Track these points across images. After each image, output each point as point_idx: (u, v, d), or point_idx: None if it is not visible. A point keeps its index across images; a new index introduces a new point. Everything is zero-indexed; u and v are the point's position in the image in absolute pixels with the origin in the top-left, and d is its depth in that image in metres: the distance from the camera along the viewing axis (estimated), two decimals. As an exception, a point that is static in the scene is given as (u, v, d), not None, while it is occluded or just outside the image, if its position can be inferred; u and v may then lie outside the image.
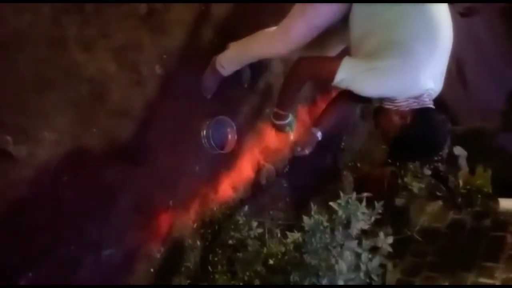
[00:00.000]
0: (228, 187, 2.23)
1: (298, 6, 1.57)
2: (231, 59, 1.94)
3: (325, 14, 1.51)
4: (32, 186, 1.53)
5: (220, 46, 2.04)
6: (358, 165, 3.10)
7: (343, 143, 3.04)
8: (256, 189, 2.38)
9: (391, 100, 1.45)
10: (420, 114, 1.41)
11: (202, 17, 2.06)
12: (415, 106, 1.42)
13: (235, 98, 2.23)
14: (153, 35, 1.88)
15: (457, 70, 4.29)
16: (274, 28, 1.70)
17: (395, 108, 1.45)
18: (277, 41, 1.65)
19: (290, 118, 1.84)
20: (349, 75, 1.40)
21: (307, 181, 2.70)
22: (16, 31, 1.49)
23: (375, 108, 1.56)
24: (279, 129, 1.87)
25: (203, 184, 2.12)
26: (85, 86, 1.67)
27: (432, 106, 1.45)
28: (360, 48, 1.47)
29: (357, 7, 1.47)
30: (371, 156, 3.21)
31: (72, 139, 1.63)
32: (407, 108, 1.42)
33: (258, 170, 2.41)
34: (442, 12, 1.42)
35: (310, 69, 1.57)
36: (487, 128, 3.81)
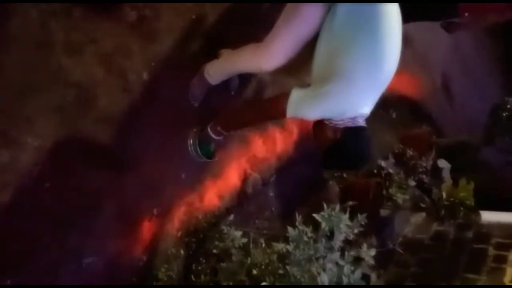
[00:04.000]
0: (214, 196, 2.23)
1: (280, 21, 1.62)
2: (219, 69, 1.96)
3: (307, 26, 1.56)
4: (13, 191, 1.51)
5: (209, 55, 2.04)
6: (344, 175, 3.11)
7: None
8: (242, 198, 2.38)
9: (329, 118, 1.60)
10: (353, 132, 1.58)
11: (191, 26, 2.06)
12: (350, 125, 1.57)
13: (222, 106, 2.23)
14: (141, 42, 1.88)
15: (442, 84, 4.36)
16: (261, 43, 1.71)
17: (332, 124, 1.60)
18: (261, 56, 1.67)
19: (218, 140, 2.00)
20: (297, 106, 1.55)
21: (293, 190, 2.71)
22: (2, 34, 1.47)
23: (314, 122, 1.68)
24: (206, 140, 2.00)
25: (189, 192, 2.11)
26: (71, 91, 1.65)
27: (364, 125, 1.61)
28: (314, 70, 1.59)
29: (322, 29, 1.55)
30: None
31: (56, 144, 1.61)
32: (342, 126, 1.58)
33: (244, 179, 2.41)
34: (394, 44, 1.51)
35: (262, 113, 1.76)
36: (471, 141, 3.88)
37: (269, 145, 2.55)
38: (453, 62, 4.52)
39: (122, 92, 1.82)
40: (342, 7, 1.45)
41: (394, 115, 3.66)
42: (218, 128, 1.92)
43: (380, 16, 1.44)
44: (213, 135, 1.95)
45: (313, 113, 1.55)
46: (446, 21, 2.59)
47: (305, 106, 1.53)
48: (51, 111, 1.60)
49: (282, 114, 1.58)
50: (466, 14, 2.45)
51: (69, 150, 1.65)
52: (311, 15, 1.53)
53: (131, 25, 1.84)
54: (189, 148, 2.03)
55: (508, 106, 3.94)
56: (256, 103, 1.83)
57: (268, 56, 1.64)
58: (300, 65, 1.86)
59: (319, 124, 1.65)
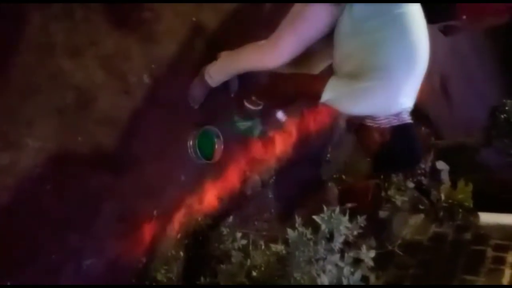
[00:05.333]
0: (213, 198, 2.23)
1: (287, 20, 1.61)
2: (220, 70, 1.96)
3: (314, 26, 1.56)
4: (14, 193, 1.51)
5: (210, 57, 2.05)
6: (343, 177, 3.12)
7: (328, 155, 3.06)
8: (241, 200, 2.38)
9: (372, 118, 1.53)
10: (401, 130, 1.52)
11: (192, 28, 2.07)
12: (395, 122, 1.52)
13: (222, 108, 2.23)
14: (142, 44, 1.89)
15: (441, 86, 4.37)
16: (263, 41, 1.72)
17: (376, 125, 1.53)
18: (266, 55, 1.68)
19: (259, 110, 2.02)
20: (334, 96, 1.49)
21: (292, 192, 2.71)
22: (3, 36, 1.48)
23: (356, 125, 1.63)
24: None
25: (188, 194, 2.11)
26: (71, 93, 1.66)
27: (410, 121, 1.55)
28: (343, 66, 1.55)
29: (342, 26, 1.52)
30: (356, 168, 3.24)
31: (56, 147, 1.61)
32: (388, 125, 1.51)
33: (244, 181, 2.41)
34: (422, 34, 1.50)
35: (298, 87, 1.68)
36: (469, 143, 3.89)
37: (268, 147, 2.56)
38: (451, 64, 4.53)
39: (122, 95, 1.82)
40: (360, 6, 1.44)
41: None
42: (253, 97, 1.92)
43: (403, 8, 1.44)
44: (250, 106, 1.97)
45: (357, 109, 1.52)
46: (444, 24, 2.61)
47: (348, 101, 1.50)
48: (51, 113, 1.60)
49: (317, 95, 1.52)
50: (464, 16, 2.47)
51: (69, 152, 1.66)
52: (318, 19, 1.53)
53: (131, 28, 1.84)
54: (189, 150, 2.04)
55: (506, 108, 3.96)
56: (293, 76, 1.75)
57: (274, 54, 1.64)
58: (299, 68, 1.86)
59: (363, 129, 1.59)
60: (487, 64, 5.77)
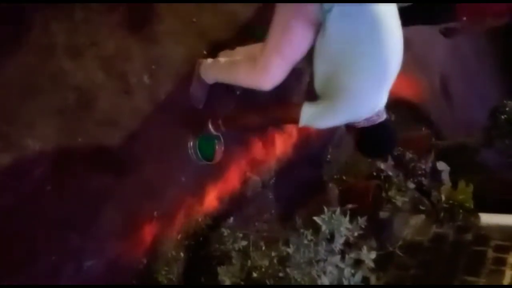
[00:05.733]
0: (214, 198, 2.23)
1: (270, 42, 1.61)
2: (214, 76, 1.96)
3: (299, 48, 1.58)
4: (14, 194, 1.51)
5: (209, 58, 2.05)
6: (344, 177, 3.12)
7: (328, 156, 3.06)
8: (242, 201, 2.38)
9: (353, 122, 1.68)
10: (380, 126, 1.67)
11: (192, 29, 2.07)
12: (376, 120, 1.65)
13: (223, 109, 2.23)
14: (142, 45, 1.88)
15: (441, 86, 4.37)
16: (254, 62, 1.70)
17: (355, 125, 1.69)
18: (260, 78, 1.69)
19: (218, 137, 2.08)
20: (311, 119, 1.62)
21: (292, 193, 2.71)
22: (4, 37, 1.48)
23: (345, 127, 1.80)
24: (205, 135, 2.05)
25: (189, 195, 2.11)
26: (72, 94, 1.66)
27: (382, 119, 1.67)
28: (321, 83, 1.61)
29: (319, 42, 1.53)
30: (357, 168, 3.24)
31: (57, 147, 1.61)
32: (369, 124, 1.65)
33: (244, 182, 2.41)
34: (396, 41, 1.49)
35: (275, 115, 1.82)
36: (470, 144, 3.89)
37: (268, 148, 2.55)
38: (451, 65, 4.53)
39: (123, 95, 1.82)
40: (332, 24, 1.43)
41: (393, 118, 3.67)
42: (219, 122, 1.96)
43: (374, 22, 1.41)
44: (212, 129, 1.99)
45: (329, 124, 1.66)
46: (444, 26, 2.61)
47: (320, 119, 1.62)
48: (52, 114, 1.60)
49: (294, 123, 1.65)
50: (464, 18, 2.47)
51: (70, 153, 1.66)
52: (302, 40, 1.55)
53: (132, 28, 1.84)
54: (189, 151, 2.04)
55: (507, 109, 3.95)
56: (265, 108, 1.85)
57: (267, 78, 1.67)
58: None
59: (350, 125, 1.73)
60: (487, 65, 5.77)
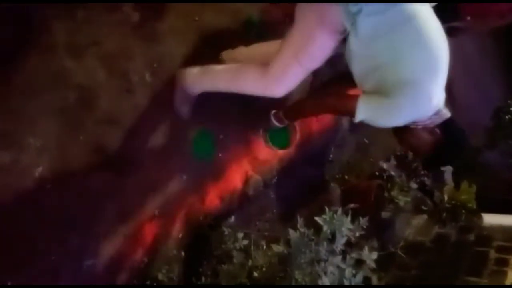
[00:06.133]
0: (215, 197, 2.22)
1: (288, 50, 1.55)
2: (207, 86, 1.86)
3: (320, 58, 1.54)
4: (14, 193, 1.51)
5: (211, 56, 2.04)
6: (346, 177, 3.11)
7: (331, 155, 3.05)
8: (243, 200, 2.38)
9: (414, 122, 1.54)
10: (447, 126, 1.56)
11: (194, 27, 2.06)
12: (438, 120, 1.54)
13: (224, 107, 2.23)
14: (144, 44, 1.88)
15: (445, 87, 4.35)
16: (264, 69, 1.64)
17: (421, 126, 1.55)
18: (272, 86, 1.64)
19: (285, 127, 2.01)
20: (368, 115, 1.51)
21: (294, 192, 2.71)
22: (5, 36, 1.48)
23: (396, 128, 1.63)
24: (271, 130, 2.02)
25: (190, 194, 2.11)
26: (73, 92, 1.66)
27: (449, 114, 1.58)
28: (364, 82, 1.54)
29: (352, 46, 1.47)
30: (359, 168, 3.23)
31: (58, 146, 1.61)
32: (432, 124, 1.54)
33: (246, 181, 2.40)
34: (437, 32, 1.48)
35: (329, 109, 1.76)
36: (473, 144, 3.87)
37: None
38: (455, 65, 4.50)
39: (124, 94, 1.82)
40: (365, 25, 1.38)
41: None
42: (281, 114, 1.90)
43: (406, 11, 1.39)
44: (276, 122, 1.93)
45: (395, 122, 1.55)
46: (448, 25, 2.59)
47: (383, 117, 1.51)
48: (53, 112, 1.60)
49: (351, 115, 1.54)
50: (468, 17, 2.45)
51: (71, 152, 1.65)
52: (323, 50, 1.50)
53: (133, 27, 1.84)
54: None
55: (511, 109, 3.94)
56: (323, 98, 1.75)
57: (281, 87, 1.63)
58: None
59: (408, 131, 1.59)
60: (491, 65, 5.74)
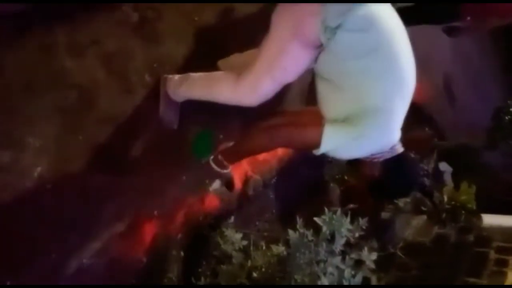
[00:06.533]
0: (214, 198, 2.22)
1: (261, 61, 1.48)
2: (187, 93, 1.80)
3: (291, 70, 1.45)
4: (14, 192, 1.51)
5: (211, 57, 2.04)
6: (345, 177, 3.11)
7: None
8: (243, 200, 2.38)
9: (372, 155, 1.49)
10: (395, 162, 1.49)
11: (194, 28, 2.06)
12: (389, 155, 1.49)
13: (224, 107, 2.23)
14: (144, 44, 1.88)
15: (444, 87, 4.35)
16: (238, 78, 1.57)
17: (368, 160, 1.50)
18: (245, 96, 1.57)
19: (228, 172, 1.85)
20: (333, 146, 1.42)
21: (294, 192, 2.71)
22: (5, 35, 1.47)
23: (347, 164, 1.64)
24: (214, 176, 1.90)
25: (189, 194, 2.11)
26: (73, 92, 1.65)
27: (401, 149, 1.53)
28: (331, 105, 1.46)
29: (325, 62, 1.41)
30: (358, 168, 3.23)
31: (57, 146, 1.61)
32: (382, 159, 1.49)
33: (245, 181, 2.40)
34: (409, 57, 1.42)
35: (289, 139, 1.57)
36: (473, 144, 3.88)
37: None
38: (455, 65, 4.51)
39: (124, 94, 1.82)
40: (342, 41, 1.31)
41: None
42: (219, 158, 1.78)
43: (385, 32, 1.34)
44: (215, 167, 1.79)
45: (356, 154, 1.48)
46: (448, 25, 2.60)
47: (346, 149, 1.43)
48: (53, 112, 1.60)
49: (311, 147, 1.45)
50: (468, 17, 2.45)
51: (70, 151, 1.65)
52: (296, 65, 1.43)
53: (133, 27, 1.84)
54: None
55: (511, 110, 3.94)
56: (275, 130, 1.60)
57: (253, 97, 1.55)
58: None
59: (357, 163, 1.55)
60: (491, 65, 5.74)
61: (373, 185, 1.57)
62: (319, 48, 1.38)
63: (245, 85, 1.54)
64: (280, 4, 1.42)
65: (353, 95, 1.38)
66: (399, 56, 1.37)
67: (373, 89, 1.36)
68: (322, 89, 1.47)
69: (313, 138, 1.42)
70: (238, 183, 2.34)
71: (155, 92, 1.91)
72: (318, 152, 1.44)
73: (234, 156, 1.81)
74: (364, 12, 1.29)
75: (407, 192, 1.77)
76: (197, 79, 1.75)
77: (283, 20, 1.39)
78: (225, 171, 1.82)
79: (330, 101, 1.46)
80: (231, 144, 1.85)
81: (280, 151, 2.60)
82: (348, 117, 1.38)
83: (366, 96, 1.37)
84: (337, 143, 1.41)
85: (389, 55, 1.35)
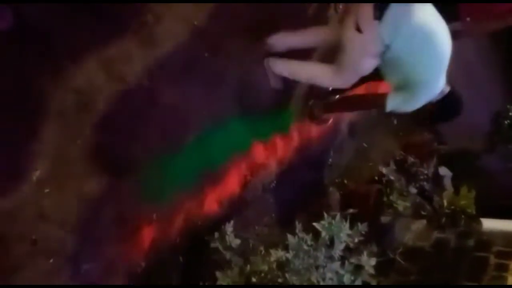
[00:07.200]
0: (213, 202, 2.21)
1: (348, 65, 2.03)
2: (285, 71, 2.31)
3: (367, 70, 2.03)
4: (12, 196, 1.50)
5: (211, 61, 2.03)
6: (345, 181, 3.10)
7: (330, 160, 3.04)
8: (242, 204, 2.37)
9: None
10: (445, 97, 2.15)
11: (192, 31, 2.06)
12: (440, 96, 2.12)
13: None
14: (142, 47, 1.87)
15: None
16: (332, 69, 2.13)
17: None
18: (336, 82, 2.21)
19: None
20: (395, 106, 2.13)
21: (293, 196, 2.70)
22: (3, 39, 1.47)
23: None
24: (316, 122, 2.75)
25: (188, 198, 2.10)
26: (71, 96, 1.65)
27: (447, 89, 2.15)
28: (394, 78, 2.12)
29: (387, 63, 2.00)
30: (358, 173, 3.23)
31: (55, 149, 1.60)
32: (435, 100, 2.13)
33: (244, 185, 2.39)
34: (445, 36, 1.97)
35: (365, 105, 2.61)
36: (472, 149, 3.87)
37: (269, 151, 2.54)
38: (454, 68, 4.50)
39: (123, 98, 1.81)
40: (396, 48, 1.86)
41: (395, 122, 3.65)
42: (315, 112, 2.62)
43: (427, 34, 1.87)
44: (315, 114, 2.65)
45: (413, 107, 2.11)
46: (447, 27, 2.60)
47: (406, 106, 2.11)
48: (51, 116, 1.59)
49: (381, 108, 2.16)
50: (468, 19, 2.45)
51: (68, 155, 1.65)
52: (369, 67, 2.01)
53: (132, 31, 1.84)
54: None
55: (510, 114, 3.94)
56: (362, 96, 2.53)
57: (342, 84, 2.20)
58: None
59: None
60: (491, 69, 5.74)
61: (432, 115, 2.21)
62: (381, 54, 1.96)
63: (339, 75, 2.12)
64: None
65: (407, 72, 2.00)
66: (440, 41, 1.93)
67: (423, 69, 1.98)
68: (387, 75, 2.12)
69: (382, 102, 2.15)
70: (236, 187, 2.34)
71: (154, 95, 1.91)
72: (387, 110, 2.13)
73: (331, 109, 2.67)
74: (406, 31, 1.83)
75: (456, 116, 2.29)
76: (300, 68, 2.30)
77: (357, 43, 1.93)
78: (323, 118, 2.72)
79: (392, 76, 2.10)
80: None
81: (279, 155, 2.60)
82: (404, 85, 2.06)
83: (418, 74, 1.99)
84: (397, 104, 2.12)
85: (431, 46, 1.91)
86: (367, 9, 1.79)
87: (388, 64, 2.00)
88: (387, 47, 1.87)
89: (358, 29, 1.84)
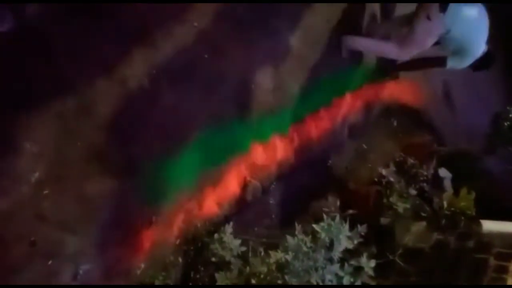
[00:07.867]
0: (213, 203, 2.21)
1: (418, 37, 2.70)
2: (358, 47, 3.04)
3: (429, 46, 2.76)
4: (12, 198, 1.50)
5: (211, 62, 2.03)
6: (345, 183, 3.10)
7: (330, 161, 3.04)
8: (241, 206, 2.37)
9: None
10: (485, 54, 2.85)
11: (193, 34, 2.06)
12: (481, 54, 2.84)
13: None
14: (143, 49, 1.87)
15: (444, 93, 4.36)
16: (397, 44, 2.83)
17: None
18: (401, 54, 2.93)
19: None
20: (452, 65, 2.88)
21: (293, 198, 2.70)
22: (3, 41, 1.47)
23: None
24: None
25: (188, 200, 2.10)
26: (71, 98, 1.65)
27: (486, 49, 2.83)
28: (451, 45, 2.77)
29: (446, 40, 2.70)
30: (357, 174, 3.22)
31: (55, 151, 1.60)
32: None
33: (244, 187, 2.39)
34: (484, 16, 2.68)
35: (429, 66, 3.25)
36: (472, 150, 3.87)
37: (269, 153, 2.54)
38: (455, 71, 4.50)
39: (123, 100, 1.81)
40: (453, 29, 2.57)
41: (395, 123, 3.66)
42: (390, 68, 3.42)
43: (474, 18, 2.60)
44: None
45: (464, 66, 2.86)
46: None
47: (459, 65, 2.86)
48: (51, 118, 1.59)
49: (443, 66, 2.90)
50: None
51: (68, 157, 1.65)
52: (431, 44, 2.73)
53: (132, 32, 1.84)
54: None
55: (510, 115, 3.93)
56: (425, 60, 3.15)
57: (405, 56, 2.95)
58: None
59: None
60: (490, 72, 5.74)
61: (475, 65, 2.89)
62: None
63: (405, 48, 2.82)
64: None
65: (462, 44, 2.71)
66: (482, 23, 2.69)
67: (472, 41, 2.71)
68: (445, 48, 2.81)
69: (442, 64, 2.91)
70: (236, 189, 2.34)
71: (155, 97, 1.90)
72: (447, 67, 2.88)
73: (404, 67, 3.42)
74: (461, 19, 2.56)
75: (491, 65, 2.96)
76: (373, 44, 3.04)
77: (424, 30, 2.66)
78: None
79: (450, 46, 2.75)
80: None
81: (279, 156, 2.60)
82: (459, 51, 2.77)
83: (468, 44, 2.72)
84: (454, 63, 2.85)
85: (478, 25, 2.67)
86: (435, 5, 2.51)
87: (448, 38, 2.67)
88: (448, 30, 2.57)
89: (429, 17, 2.54)
